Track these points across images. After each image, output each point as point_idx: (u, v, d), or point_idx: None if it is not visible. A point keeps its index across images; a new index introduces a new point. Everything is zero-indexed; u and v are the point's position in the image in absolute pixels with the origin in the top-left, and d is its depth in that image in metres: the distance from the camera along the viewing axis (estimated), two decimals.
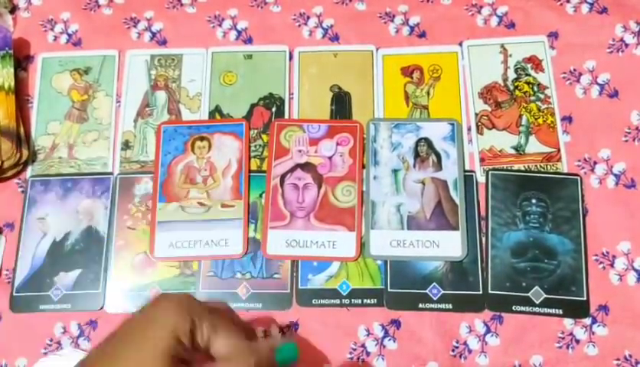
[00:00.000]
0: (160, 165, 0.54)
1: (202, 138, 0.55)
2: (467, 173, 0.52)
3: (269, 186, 0.53)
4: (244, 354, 0.36)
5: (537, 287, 0.49)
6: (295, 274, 0.50)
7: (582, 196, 0.51)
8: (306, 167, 0.53)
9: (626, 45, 0.56)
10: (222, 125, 0.55)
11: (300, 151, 0.53)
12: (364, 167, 0.53)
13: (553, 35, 0.57)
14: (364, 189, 0.52)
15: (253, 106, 0.56)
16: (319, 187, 0.52)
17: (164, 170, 0.54)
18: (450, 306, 0.49)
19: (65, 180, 0.54)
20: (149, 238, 0.52)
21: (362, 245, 0.51)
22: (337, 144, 0.53)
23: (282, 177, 0.53)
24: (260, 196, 0.53)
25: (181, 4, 0.60)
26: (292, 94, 0.56)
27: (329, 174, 0.53)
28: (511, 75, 0.55)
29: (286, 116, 0.55)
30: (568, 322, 0.48)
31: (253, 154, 0.54)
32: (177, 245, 0.51)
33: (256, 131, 0.55)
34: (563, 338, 0.48)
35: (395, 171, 0.52)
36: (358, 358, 0.48)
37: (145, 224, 0.52)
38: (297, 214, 0.52)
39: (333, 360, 0.48)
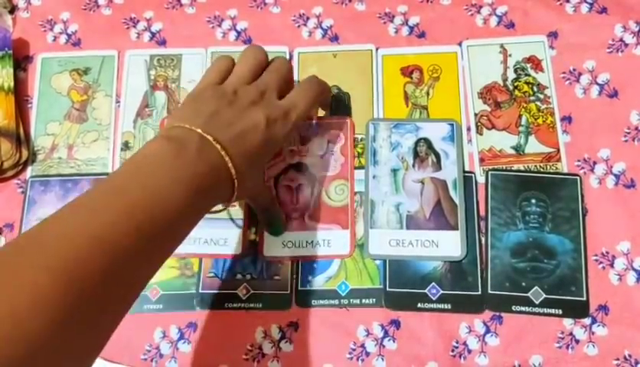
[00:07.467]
0: None
1: None
2: (466, 174, 0.52)
3: None
4: None
5: (536, 287, 0.49)
6: (295, 277, 0.50)
7: (582, 196, 0.51)
8: (299, 167, 0.53)
9: (626, 45, 0.56)
10: None
11: (292, 150, 0.53)
12: (361, 167, 0.53)
13: (553, 35, 0.56)
14: (363, 189, 0.52)
15: None
16: (312, 187, 0.52)
17: None
18: (449, 306, 0.49)
19: (65, 181, 0.54)
20: None
21: (360, 245, 0.51)
22: (329, 141, 0.53)
23: (276, 179, 0.53)
24: None
25: (181, 5, 0.60)
26: None
27: (322, 174, 0.53)
28: (511, 75, 0.55)
29: None
30: (568, 322, 0.48)
31: None
32: None
33: None
34: (563, 338, 0.48)
35: (394, 171, 0.52)
36: (358, 359, 0.48)
37: None
38: (292, 215, 0.52)
39: (333, 360, 0.48)
